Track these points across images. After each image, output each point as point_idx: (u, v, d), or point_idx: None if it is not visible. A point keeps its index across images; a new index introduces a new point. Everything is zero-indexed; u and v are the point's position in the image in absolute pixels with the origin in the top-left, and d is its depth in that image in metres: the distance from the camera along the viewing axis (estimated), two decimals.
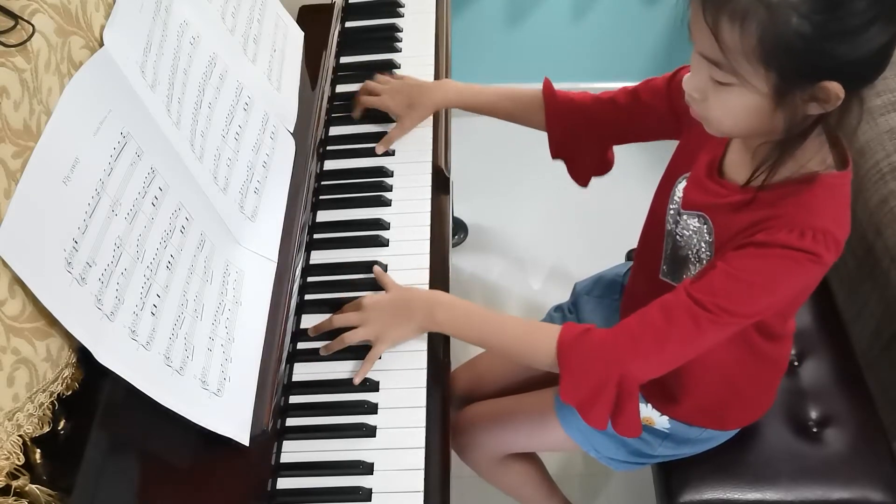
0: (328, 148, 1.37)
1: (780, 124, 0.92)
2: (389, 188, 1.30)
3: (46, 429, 0.81)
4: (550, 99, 1.32)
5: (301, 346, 1.14)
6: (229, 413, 0.95)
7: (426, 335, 1.14)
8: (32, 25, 0.83)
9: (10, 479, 0.76)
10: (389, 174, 1.32)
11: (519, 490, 1.52)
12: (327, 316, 1.15)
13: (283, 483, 1.02)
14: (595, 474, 1.82)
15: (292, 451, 1.04)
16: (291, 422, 1.07)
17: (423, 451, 1.02)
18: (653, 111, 1.23)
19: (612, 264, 1.50)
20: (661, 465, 1.35)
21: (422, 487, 0.99)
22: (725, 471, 1.29)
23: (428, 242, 1.24)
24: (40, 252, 0.78)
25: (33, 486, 0.79)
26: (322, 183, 1.31)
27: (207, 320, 0.97)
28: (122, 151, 0.90)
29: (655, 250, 1.19)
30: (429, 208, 1.28)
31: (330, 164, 1.35)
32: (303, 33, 1.40)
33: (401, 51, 1.51)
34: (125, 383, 0.84)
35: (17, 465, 0.77)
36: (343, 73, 1.48)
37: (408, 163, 1.34)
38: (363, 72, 1.47)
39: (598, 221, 2.18)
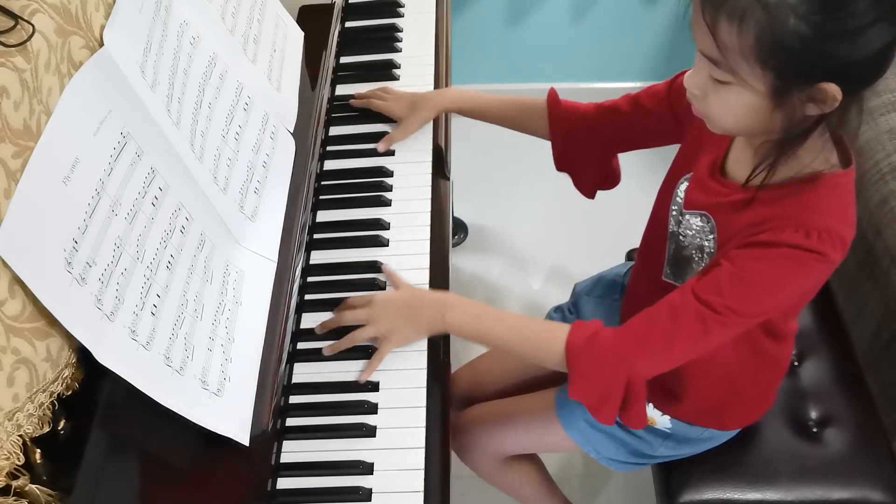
0: (328, 148, 1.37)
1: (779, 124, 0.92)
2: (389, 188, 1.30)
3: (46, 429, 0.81)
4: (554, 107, 1.32)
5: (301, 346, 1.14)
6: (229, 413, 0.95)
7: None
8: (32, 25, 0.83)
9: (10, 479, 0.76)
10: (389, 174, 1.32)
11: (519, 490, 1.52)
12: (329, 316, 1.16)
13: (283, 483, 1.02)
14: (595, 474, 1.82)
15: (292, 451, 1.04)
16: (291, 422, 1.07)
17: (423, 451, 1.02)
18: (654, 116, 1.23)
19: (612, 264, 1.50)
20: (661, 466, 1.35)
21: (422, 487, 0.99)
22: (725, 471, 1.29)
23: (428, 242, 1.24)
24: (40, 252, 0.78)
25: (33, 486, 0.79)
26: (322, 183, 1.31)
27: (207, 320, 0.97)
28: (122, 151, 0.90)
29: (658, 252, 1.19)
30: (429, 208, 1.28)
31: (330, 164, 1.35)
32: (303, 33, 1.40)
33: (401, 51, 1.51)
34: (125, 383, 0.84)
35: (17, 465, 0.77)
36: (343, 73, 1.48)
37: (408, 163, 1.34)
38: (363, 72, 1.47)
39: (598, 221, 2.18)
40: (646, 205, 1.25)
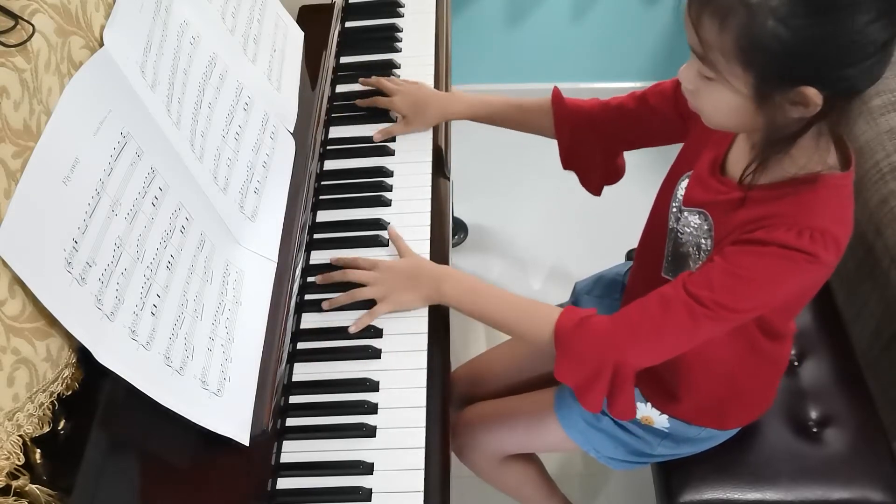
0: (328, 148, 1.37)
1: (763, 124, 0.93)
2: (389, 188, 1.30)
3: (46, 429, 0.81)
4: (559, 105, 1.32)
5: (301, 346, 1.14)
6: (229, 413, 0.95)
7: (426, 334, 1.14)
8: (32, 25, 0.83)
9: (10, 479, 0.76)
10: (389, 174, 1.32)
11: (519, 490, 1.52)
12: (328, 315, 1.16)
13: (283, 483, 1.02)
14: (595, 474, 1.82)
15: (292, 451, 1.04)
16: (291, 422, 1.07)
17: (423, 451, 1.02)
18: (659, 114, 1.23)
19: (612, 264, 1.50)
20: (661, 465, 1.35)
21: (422, 487, 0.99)
22: (725, 471, 1.29)
23: (428, 242, 1.24)
24: (40, 252, 0.78)
25: (33, 486, 0.79)
26: (322, 183, 1.31)
27: (207, 320, 0.97)
28: (122, 151, 0.90)
29: (658, 249, 1.19)
30: (429, 208, 1.28)
31: (330, 164, 1.35)
32: (303, 33, 1.40)
33: (401, 51, 1.51)
34: (125, 383, 0.84)
35: (17, 465, 0.77)
36: (343, 73, 1.48)
37: (408, 163, 1.34)
38: (363, 72, 1.47)
39: (598, 221, 2.18)
40: (646, 204, 1.25)
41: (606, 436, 1.29)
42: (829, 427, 1.33)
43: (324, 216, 1.28)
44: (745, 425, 1.30)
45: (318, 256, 1.23)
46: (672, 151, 1.22)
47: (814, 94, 0.87)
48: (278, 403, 1.05)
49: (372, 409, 1.07)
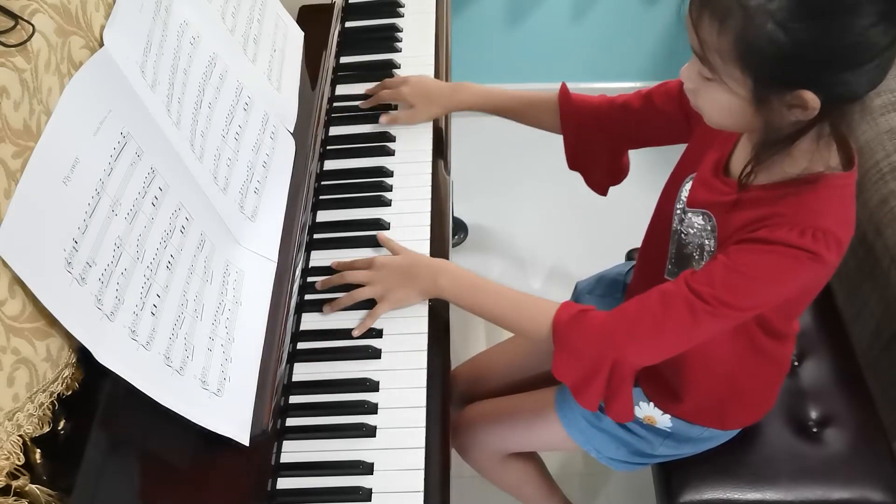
0: (328, 148, 1.37)
1: (762, 125, 0.93)
2: (389, 188, 1.30)
3: (46, 429, 0.81)
4: (565, 101, 1.33)
5: (301, 346, 1.14)
6: (229, 413, 0.95)
7: (426, 334, 1.14)
8: (32, 25, 0.83)
9: (10, 479, 0.76)
10: (389, 174, 1.32)
11: (519, 489, 1.52)
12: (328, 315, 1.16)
13: (283, 483, 1.02)
14: (595, 474, 1.82)
15: (292, 451, 1.04)
16: (291, 422, 1.07)
17: (423, 451, 1.02)
18: (663, 114, 1.24)
19: (612, 264, 1.50)
20: (661, 465, 1.35)
21: (422, 487, 0.99)
22: (725, 471, 1.29)
23: (428, 242, 1.24)
24: (40, 252, 0.78)
25: (33, 486, 0.79)
26: (322, 183, 1.31)
27: (207, 320, 0.97)
28: (122, 151, 0.90)
29: (661, 250, 1.19)
30: (429, 208, 1.28)
31: (330, 164, 1.35)
32: (303, 33, 1.40)
33: (401, 51, 1.51)
34: (125, 383, 0.84)
35: (17, 465, 0.77)
36: (343, 73, 1.48)
37: (408, 163, 1.34)
38: (363, 72, 1.47)
39: (598, 221, 2.18)
40: (646, 205, 1.25)
41: (608, 436, 1.29)
42: (829, 427, 1.33)
43: (324, 216, 1.28)
44: (747, 426, 1.30)
45: (318, 256, 1.23)
46: (673, 151, 1.22)
47: (811, 98, 0.87)
48: (278, 403, 1.05)
49: (372, 409, 1.07)
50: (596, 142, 1.33)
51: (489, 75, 2.44)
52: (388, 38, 1.52)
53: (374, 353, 1.12)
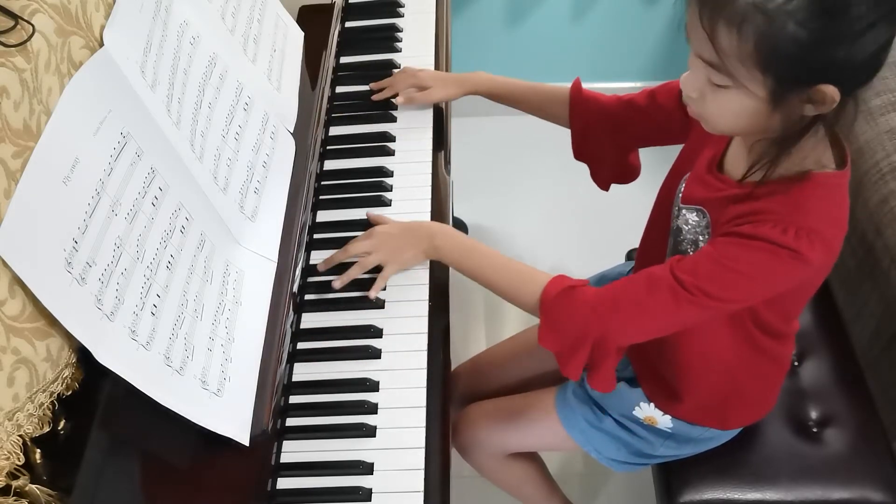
0: (328, 148, 1.37)
1: (777, 125, 0.94)
2: (389, 188, 1.30)
3: (46, 429, 0.81)
4: (576, 96, 1.34)
5: (301, 346, 1.14)
6: (229, 413, 0.95)
7: (426, 334, 1.14)
8: (32, 25, 0.83)
9: (10, 479, 0.76)
10: (389, 174, 1.32)
11: (520, 489, 1.52)
12: (328, 315, 1.16)
13: (283, 483, 1.02)
14: (595, 474, 1.82)
15: (292, 451, 1.04)
16: (291, 422, 1.07)
17: (423, 451, 1.02)
18: (665, 112, 1.25)
19: (612, 264, 1.50)
20: (661, 466, 1.35)
21: (422, 487, 0.99)
22: (725, 471, 1.29)
23: None
24: (40, 252, 0.78)
25: (33, 486, 0.79)
26: (322, 183, 1.31)
27: (207, 320, 0.98)
28: (122, 151, 0.90)
29: (659, 249, 1.19)
30: (429, 208, 1.28)
31: (330, 164, 1.35)
32: (303, 33, 1.40)
33: (401, 51, 1.51)
34: (125, 383, 0.84)
35: (17, 465, 0.77)
36: (343, 73, 1.48)
37: (408, 163, 1.34)
38: (363, 72, 1.47)
39: (598, 221, 2.18)
40: (646, 204, 1.25)
41: (608, 436, 1.29)
42: (829, 427, 1.33)
43: (324, 216, 1.28)
44: (747, 426, 1.30)
45: (318, 256, 1.23)
46: (673, 152, 1.22)
47: (832, 91, 0.88)
48: (278, 403, 1.05)
49: (372, 409, 1.07)
50: (601, 137, 1.34)
51: None
52: (388, 38, 1.53)
53: (374, 353, 1.12)
